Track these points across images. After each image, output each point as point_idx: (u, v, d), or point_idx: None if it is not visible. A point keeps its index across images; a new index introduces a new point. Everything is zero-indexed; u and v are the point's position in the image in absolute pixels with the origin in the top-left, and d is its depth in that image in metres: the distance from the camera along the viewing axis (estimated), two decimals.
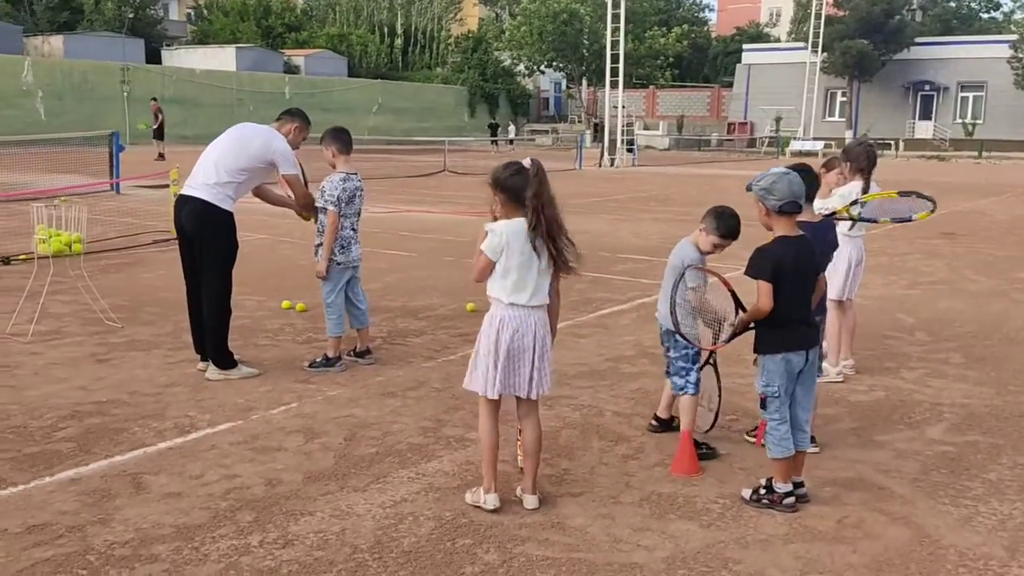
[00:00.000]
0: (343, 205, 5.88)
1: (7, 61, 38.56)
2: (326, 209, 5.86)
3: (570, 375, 6.05)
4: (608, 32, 34.24)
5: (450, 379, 5.85)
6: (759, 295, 3.88)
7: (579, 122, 59.08)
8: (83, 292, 7.60)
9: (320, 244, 5.94)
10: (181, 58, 51.11)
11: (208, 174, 5.67)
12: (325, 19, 63.16)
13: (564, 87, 66.55)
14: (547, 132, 58.02)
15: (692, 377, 4.55)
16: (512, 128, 51.94)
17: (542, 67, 57.50)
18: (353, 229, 6.00)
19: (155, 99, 34.44)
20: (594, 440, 4.84)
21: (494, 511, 3.88)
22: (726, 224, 4.45)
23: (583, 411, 5.31)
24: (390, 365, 6.19)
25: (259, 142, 5.76)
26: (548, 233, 3.82)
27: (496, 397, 3.89)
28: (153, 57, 50.18)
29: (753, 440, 4.69)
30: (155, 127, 31.69)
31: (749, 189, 4.07)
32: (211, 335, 5.76)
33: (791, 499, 3.99)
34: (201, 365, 5.90)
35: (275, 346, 6.67)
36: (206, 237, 5.67)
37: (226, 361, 5.79)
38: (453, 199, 18.83)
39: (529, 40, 54.06)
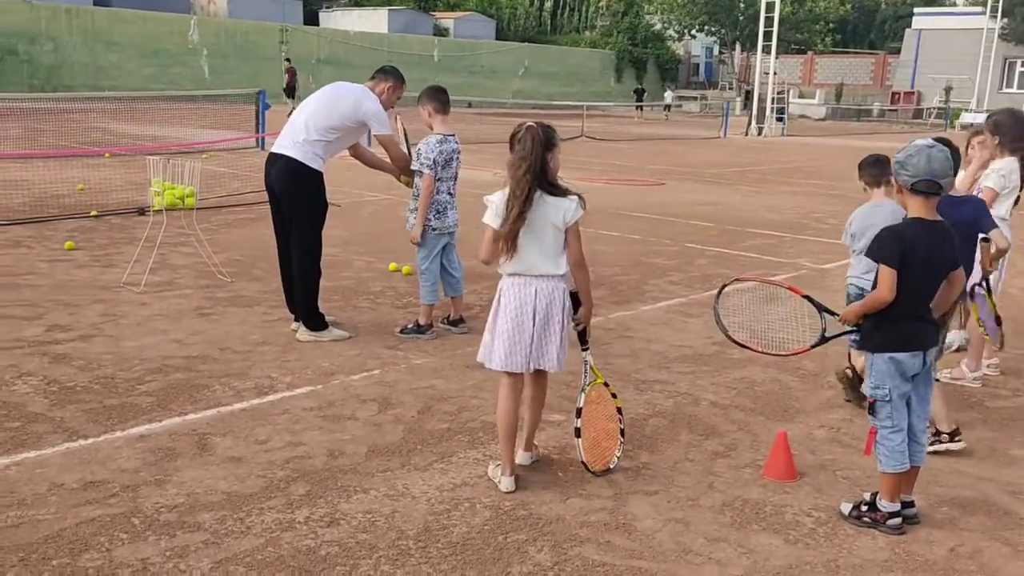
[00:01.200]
0: (439, 168, 5.64)
1: (175, 20, 40.56)
2: (421, 172, 5.63)
3: (670, 358, 5.64)
4: None
5: None
6: (880, 282, 3.37)
7: (730, 89, 56.95)
8: (205, 244, 7.73)
9: (415, 209, 5.74)
10: (337, 20, 52.41)
11: (297, 132, 5.55)
12: None
13: (716, 52, 64.27)
14: (695, 99, 56.30)
15: None
16: (669, 94, 50.25)
17: (693, 31, 55.65)
18: (450, 193, 5.76)
19: (288, 59, 35.48)
20: (683, 432, 4.44)
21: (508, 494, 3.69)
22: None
23: (677, 399, 4.91)
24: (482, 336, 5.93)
25: (349, 101, 5.59)
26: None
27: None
28: (312, 19, 51.71)
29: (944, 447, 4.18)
30: (285, 87, 32.78)
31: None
32: (300, 296, 5.68)
33: (897, 520, 3.49)
34: (294, 325, 5.85)
35: (373, 309, 6.56)
36: (294, 195, 5.57)
37: (317, 322, 5.70)
38: (584, 165, 18.39)
39: (681, 3, 52.36)
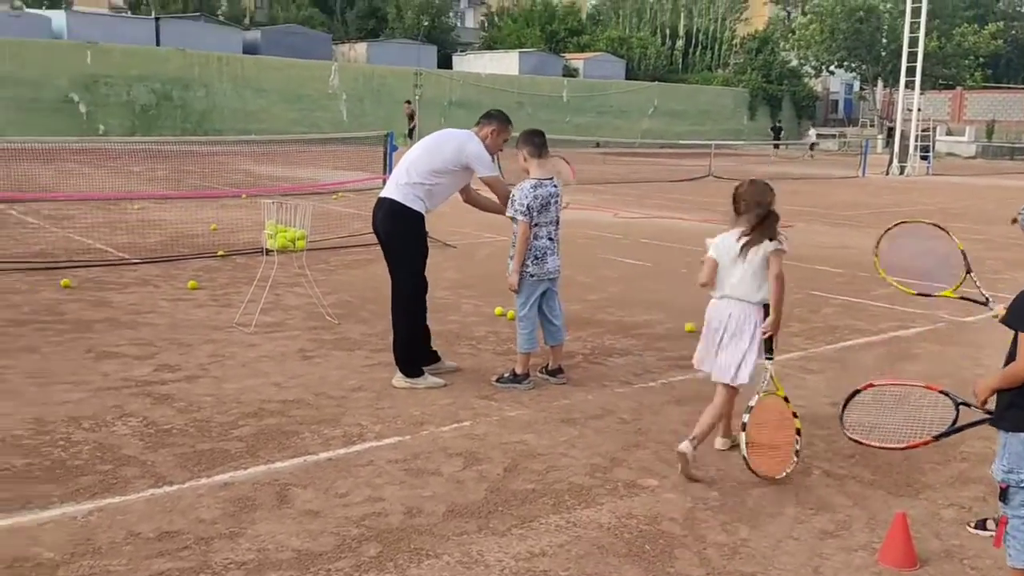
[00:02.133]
0: (535, 214, 5.48)
1: (318, 67, 42.48)
2: (516, 219, 5.49)
3: None
4: (906, 28, 31.19)
5: (640, 411, 5.27)
6: (1020, 353, 2.96)
7: (870, 126, 54.75)
8: (314, 286, 7.84)
9: (514, 255, 5.59)
10: (470, 63, 53.67)
11: (400, 175, 5.57)
12: (608, 23, 63.59)
13: (856, 88, 62.03)
14: (834, 136, 54.39)
15: None
16: (813, 132, 48.48)
17: (831, 67, 53.92)
18: (550, 239, 5.58)
19: (408, 102, 36.42)
20: (790, 505, 4.06)
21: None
22: None
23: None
24: (581, 387, 5.71)
25: (453, 144, 5.57)
26: None
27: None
28: (445, 63, 53.17)
29: (989, 534, 3.69)
30: (408, 129, 33.62)
31: (1015, 221, 3.19)
32: (396, 340, 5.62)
33: None
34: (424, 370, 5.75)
35: (473, 355, 6.43)
36: (393, 236, 5.56)
37: (412, 369, 5.61)
38: (709, 206, 17.89)
39: (818, 39, 50.88)
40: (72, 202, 14.98)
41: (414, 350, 5.66)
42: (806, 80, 58.57)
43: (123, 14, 50.69)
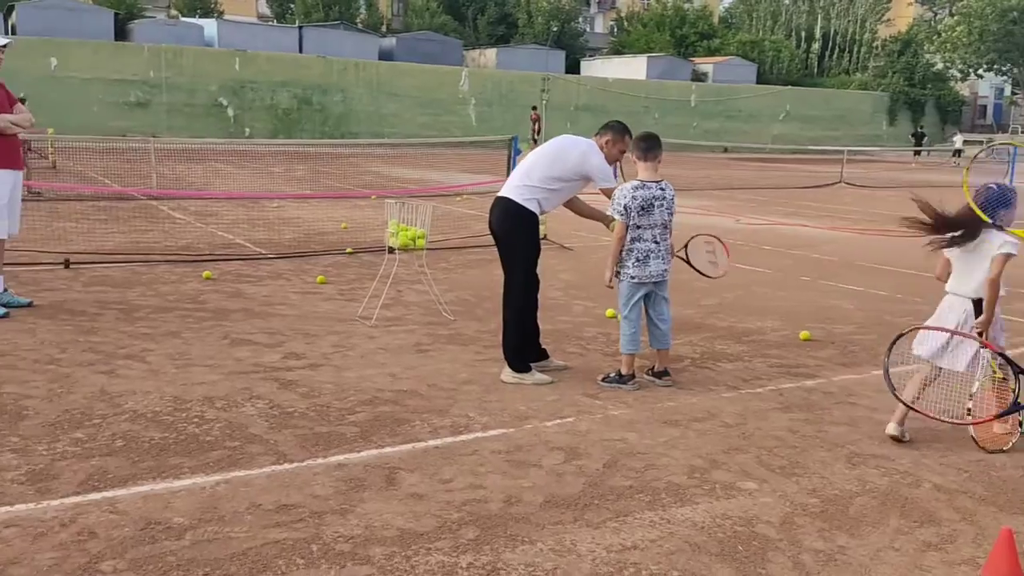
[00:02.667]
0: (634, 215, 5.54)
1: (448, 72, 43.51)
2: (614, 218, 5.60)
3: None
4: None
5: (746, 415, 5.26)
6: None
7: (1022, 132, 51.58)
8: (433, 284, 8.13)
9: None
10: (598, 68, 53.73)
11: (518, 177, 5.75)
12: (740, 26, 62.35)
13: (1007, 93, 58.54)
14: (981, 143, 51.50)
15: None
16: (959, 137, 46.08)
17: (980, 71, 51.12)
18: (655, 242, 5.63)
19: (535, 108, 36.65)
20: (894, 516, 3.99)
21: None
22: None
23: (894, 478, 4.43)
24: (687, 390, 5.73)
25: (576, 154, 5.73)
26: None
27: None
28: (574, 68, 53.41)
29: None
30: (533, 135, 33.92)
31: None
32: (505, 336, 5.79)
33: None
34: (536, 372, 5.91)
35: (582, 355, 6.54)
36: (508, 234, 5.74)
37: (519, 364, 5.77)
38: (839, 213, 17.37)
39: (965, 41, 48.37)
40: (217, 200, 15.95)
41: (522, 346, 5.82)
42: (952, 84, 55.71)
43: (269, 23, 53.30)
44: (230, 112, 37.91)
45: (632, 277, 5.61)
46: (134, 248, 10.46)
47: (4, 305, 7.13)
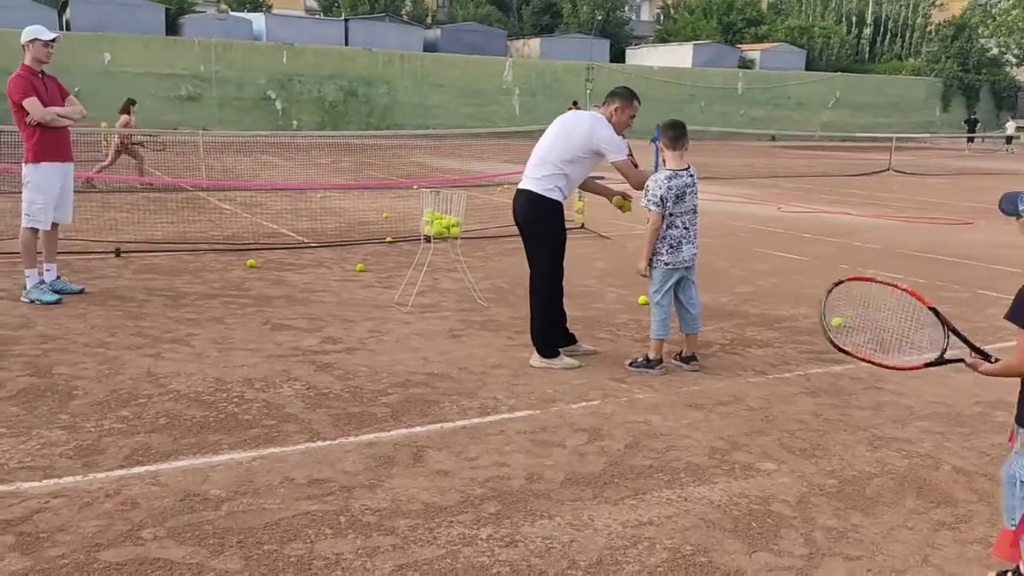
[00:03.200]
0: (670, 204, 5.61)
1: (492, 62, 43.61)
2: (650, 209, 5.66)
3: (919, 414, 5.14)
4: None
5: (771, 399, 5.32)
6: (1018, 350, 3.00)
7: None
8: (468, 271, 8.28)
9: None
10: (643, 56, 53.38)
11: (535, 167, 5.80)
12: (790, 11, 61.44)
13: None
14: None
15: None
16: (1012, 124, 44.79)
17: None
18: (685, 228, 5.70)
19: (575, 102, 36.46)
20: (910, 497, 4.04)
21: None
22: None
23: (914, 460, 4.47)
24: (713, 375, 5.80)
25: (581, 131, 5.72)
26: None
27: None
28: (619, 57, 53.13)
29: None
30: None
31: (1004, 210, 3.19)
32: (533, 322, 5.91)
33: None
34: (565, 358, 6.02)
35: (612, 340, 6.64)
36: (532, 225, 5.81)
37: (548, 349, 5.89)
38: (884, 201, 17.14)
39: (1021, 25, 47.10)
40: (264, 191, 16.30)
41: (550, 332, 5.93)
42: (1007, 69, 54.28)
43: (316, 16, 53.92)
44: (278, 105, 38.48)
45: (666, 263, 5.68)
46: (182, 238, 10.79)
47: (57, 292, 7.44)
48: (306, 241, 10.90)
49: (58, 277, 7.66)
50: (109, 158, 16.65)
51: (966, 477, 4.28)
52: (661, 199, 5.59)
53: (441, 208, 7.63)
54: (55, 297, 7.32)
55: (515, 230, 6.17)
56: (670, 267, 5.71)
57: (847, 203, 16.80)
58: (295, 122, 38.27)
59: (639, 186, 5.81)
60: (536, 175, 5.79)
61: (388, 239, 11.08)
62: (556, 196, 5.76)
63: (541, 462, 4.34)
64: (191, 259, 9.53)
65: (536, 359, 5.90)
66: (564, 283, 6.08)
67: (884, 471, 4.32)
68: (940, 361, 3.31)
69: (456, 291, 8.18)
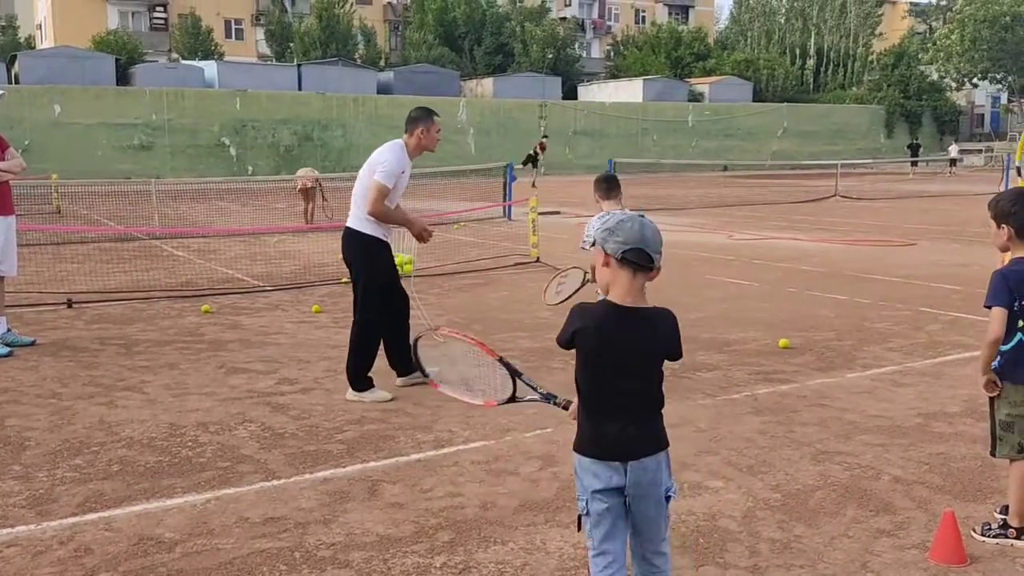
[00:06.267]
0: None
1: (447, 103, 44.02)
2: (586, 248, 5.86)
3: (862, 428, 5.30)
4: None
5: (719, 420, 5.46)
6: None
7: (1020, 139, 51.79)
8: (422, 308, 8.35)
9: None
10: (594, 92, 54.31)
11: (354, 204, 6.00)
12: (736, 46, 62.98)
13: (1004, 101, 58.85)
14: (980, 151, 51.79)
15: None
16: (954, 147, 46.12)
17: (974, 79, 51.47)
18: None
19: (546, 136, 36.94)
20: (851, 507, 4.18)
21: None
22: None
23: (855, 472, 4.61)
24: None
25: (370, 159, 5.95)
26: None
27: None
28: (571, 93, 53.98)
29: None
30: (535, 157, 34.00)
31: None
32: (349, 356, 6.04)
33: None
34: (399, 381, 6.24)
35: (564, 370, 6.74)
36: (351, 261, 6.05)
37: (357, 383, 6.02)
38: (832, 226, 17.58)
39: (959, 49, 48.76)
40: (220, 237, 16.26)
41: (365, 368, 6.04)
42: (947, 94, 56.08)
43: (268, 62, 54.09)
44: (232, 151, 38.47)
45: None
46: (135, 286, 10.74)
47: (8, 344, 7.39)
48: (261, 285, 10.92)
49: (8, 330, 7.61)
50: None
51: (905, 486, 4.43)
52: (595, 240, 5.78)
53: (395, 246, 7.72)
54: (6, 350, 7.27)
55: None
56: None
57: (796, 229, 17.20)
58: (250, 168, 38.25)
59: (373, 211, 5.81)
60: (355, 212, 5.98)
61: (343, 280, 11.12)
62: (369, 230, 5.91)
63: (495, 490, 4.42)
64: (144, 307, 9.49)
65: (350, 394, 6.03)
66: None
67: (827, 483, 4.46)
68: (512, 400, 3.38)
69: (412, 327, 8.23)
